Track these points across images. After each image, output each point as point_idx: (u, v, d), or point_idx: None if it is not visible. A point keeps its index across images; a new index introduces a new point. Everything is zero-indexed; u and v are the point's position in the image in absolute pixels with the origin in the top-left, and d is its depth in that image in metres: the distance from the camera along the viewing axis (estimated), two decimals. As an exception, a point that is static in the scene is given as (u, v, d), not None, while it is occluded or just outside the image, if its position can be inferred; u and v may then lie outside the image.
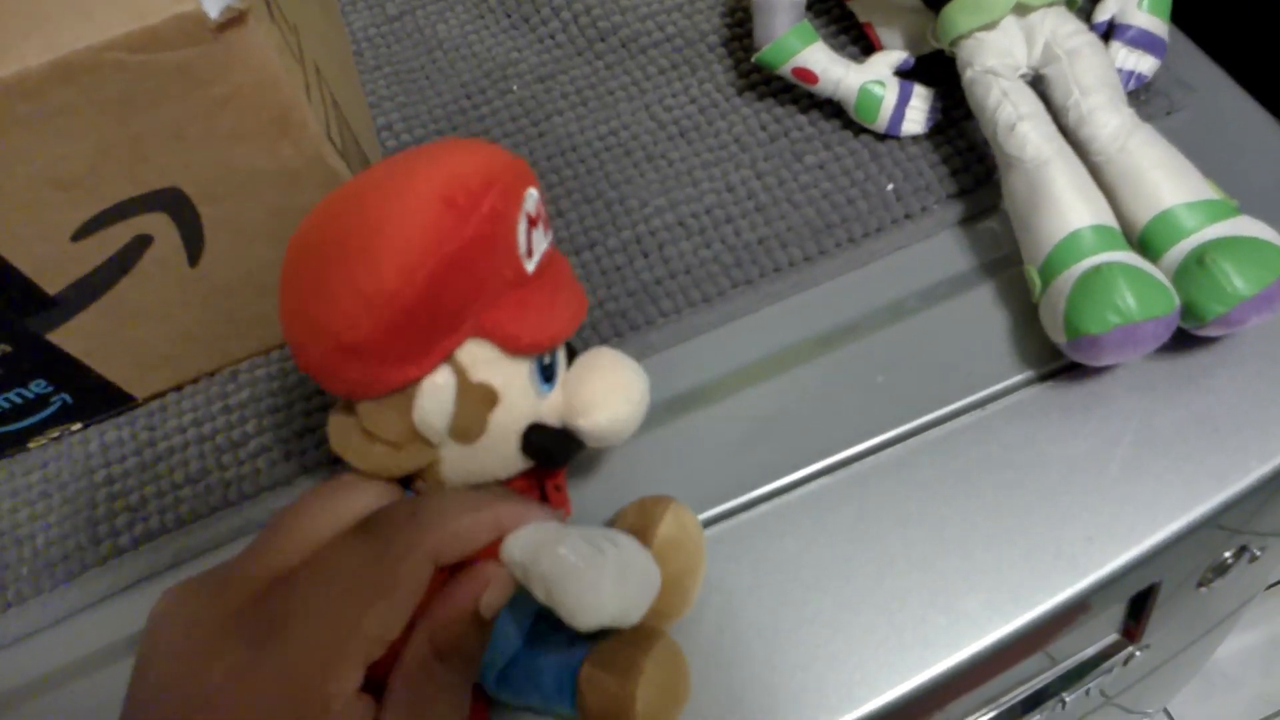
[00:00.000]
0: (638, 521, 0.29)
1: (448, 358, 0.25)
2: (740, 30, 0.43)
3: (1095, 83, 0.33)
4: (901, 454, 0.33)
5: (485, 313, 0.25)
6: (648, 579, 0.25)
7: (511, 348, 0.25)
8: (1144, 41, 0.35)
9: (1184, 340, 0.33)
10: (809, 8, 0.37)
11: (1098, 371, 0.33)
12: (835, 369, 0.35)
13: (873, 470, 0.33)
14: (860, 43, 0.42)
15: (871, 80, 0.37)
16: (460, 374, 0.25)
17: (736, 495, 0.32)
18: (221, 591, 0.24)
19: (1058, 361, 0.34)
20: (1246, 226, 0.31)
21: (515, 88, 0.42)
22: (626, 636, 0.26)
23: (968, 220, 0.37)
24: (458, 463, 0.27)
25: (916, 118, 0.38)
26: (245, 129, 0.28)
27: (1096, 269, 0.30)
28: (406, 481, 0.27)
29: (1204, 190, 0.31)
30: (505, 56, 0.43)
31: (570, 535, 0.24)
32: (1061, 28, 0.34)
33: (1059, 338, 0.31)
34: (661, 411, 0.34)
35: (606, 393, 0.27)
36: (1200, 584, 0.45)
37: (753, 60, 0.38)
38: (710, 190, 0.38)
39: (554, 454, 0.27)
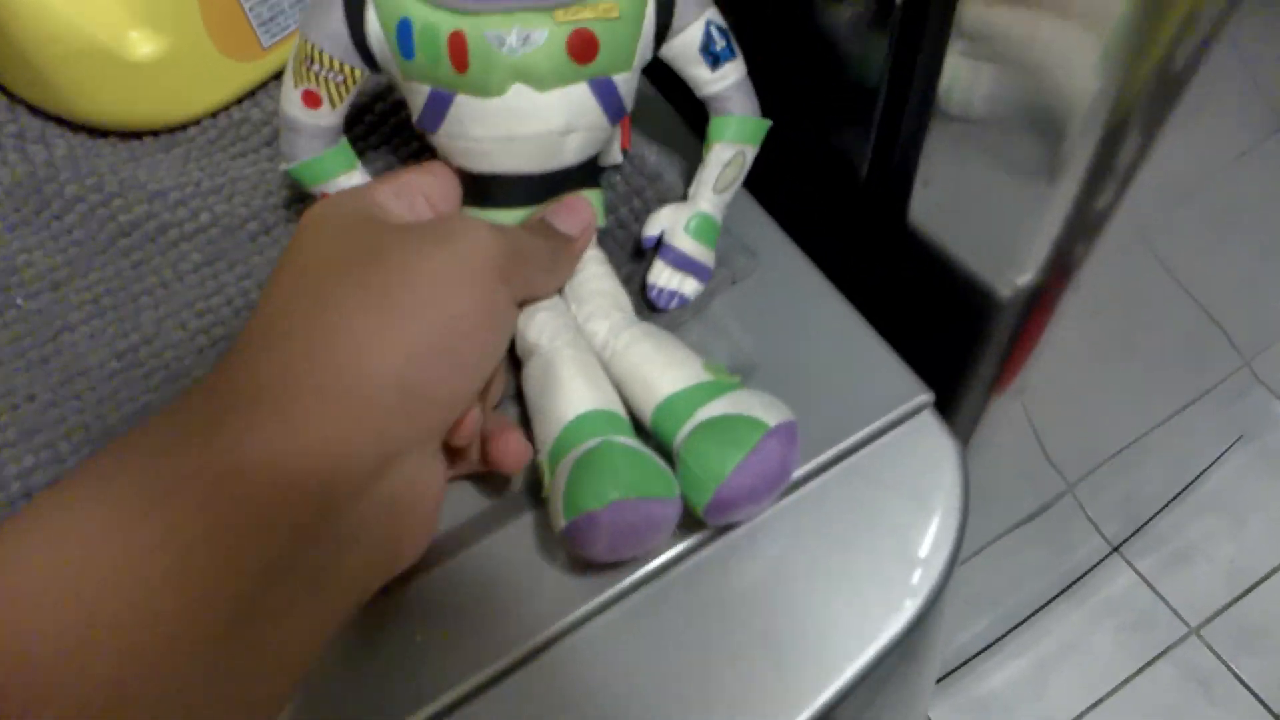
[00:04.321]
0: None
1: None
2: (289, 212, 0.38)
3: (587, 294, 0.32)
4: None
5: None
6: None
7: None
8: (685, 265, 0.34)
9: (739, 557, 0.30)
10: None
11: (656, 603, 0.30)
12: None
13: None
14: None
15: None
16: None
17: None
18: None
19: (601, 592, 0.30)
20: (736, 402, 0.29)
21: (21, 300, 0.36)
22: None
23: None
24: None
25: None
26: None
27: (597, 446, 0.28)
28: None
29: (697, 374, 0.30)
30: (11, 260, 0.37)
31: None
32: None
33: (559, 523, 0.28)
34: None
35: None
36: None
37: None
38: (240, 413, 0.33)
39: None
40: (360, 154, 0.35)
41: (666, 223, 0.34)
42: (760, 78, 0.34)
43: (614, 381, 0.31)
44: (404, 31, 0.29)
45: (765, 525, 0.31)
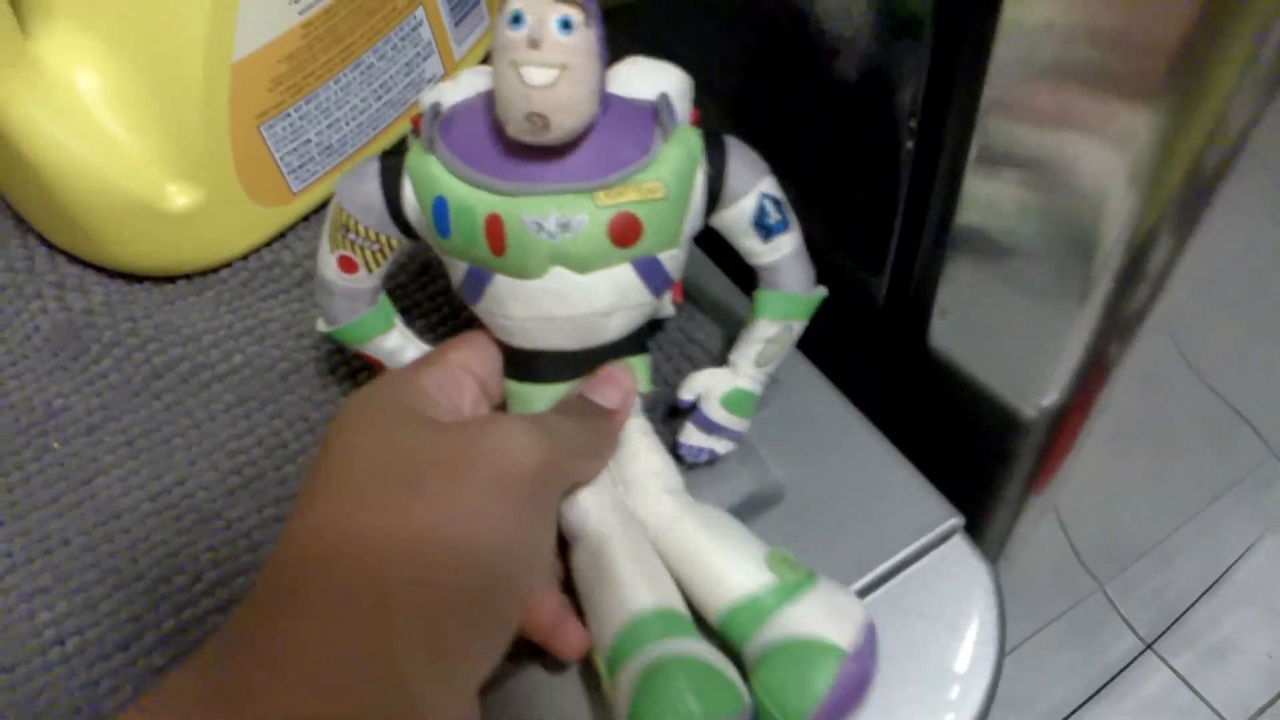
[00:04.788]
0: None
1: None
2: (315, 354, 0.39)
3: (633, 475, 0.31)
4: None
5: None
6: None
7: None
8: (717, 431, 0.33)
9: None
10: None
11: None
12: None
13: None
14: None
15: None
16: None
17: None
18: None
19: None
20: (806, 616, 0.27)
21: (56, 444, 0.37)
22: None
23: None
24: None
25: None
26: None
27: (657, 664, 0.26)
28: None
29: (761, 575, 0.28)
30: (48, 405, 0.38)
31: None
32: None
33: None
34: None
35: None
36: None
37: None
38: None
39: None
40: (402, 299, 0.35)
41: (702, 389, 0.33)
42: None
43: (670, 572, 0.29)
44: (440, 210, 0.28)
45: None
